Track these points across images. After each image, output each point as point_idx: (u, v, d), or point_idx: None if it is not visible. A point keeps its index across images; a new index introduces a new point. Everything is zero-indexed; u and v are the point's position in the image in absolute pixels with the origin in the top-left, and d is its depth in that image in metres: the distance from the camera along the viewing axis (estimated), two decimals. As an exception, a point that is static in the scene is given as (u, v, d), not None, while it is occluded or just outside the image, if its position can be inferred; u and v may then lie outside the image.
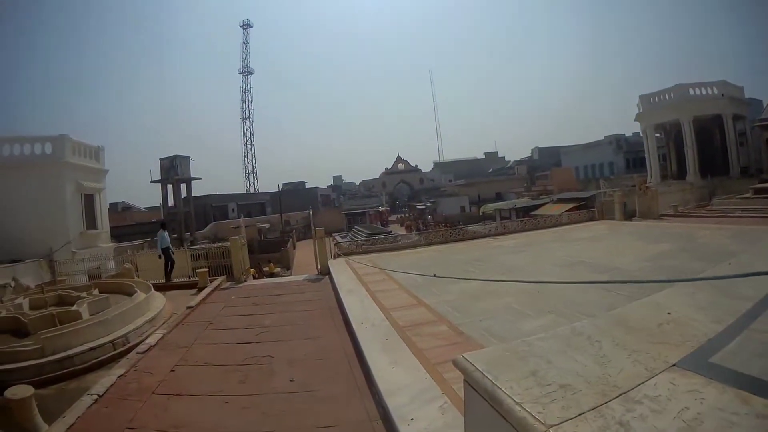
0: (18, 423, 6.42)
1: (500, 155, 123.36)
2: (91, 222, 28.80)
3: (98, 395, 7.24)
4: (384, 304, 10.98)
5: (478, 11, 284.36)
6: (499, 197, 72.74)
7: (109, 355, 10.19)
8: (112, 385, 7.72)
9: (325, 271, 17.37)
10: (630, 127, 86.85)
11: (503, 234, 23.54)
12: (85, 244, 27.13)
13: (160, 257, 18.47)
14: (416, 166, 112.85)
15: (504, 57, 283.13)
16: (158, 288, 16.10)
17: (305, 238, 53.68)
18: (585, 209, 29.64)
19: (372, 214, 75.37)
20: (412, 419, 5.42)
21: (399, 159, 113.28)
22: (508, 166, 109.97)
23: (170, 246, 18.59)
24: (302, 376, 7.59)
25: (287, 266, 35.82)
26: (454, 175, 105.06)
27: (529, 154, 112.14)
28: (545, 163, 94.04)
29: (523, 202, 52.88)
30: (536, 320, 8.47)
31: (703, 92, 41.85)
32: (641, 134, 49.24)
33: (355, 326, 9.44)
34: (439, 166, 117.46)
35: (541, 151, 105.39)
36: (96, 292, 14.56)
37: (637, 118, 46.25)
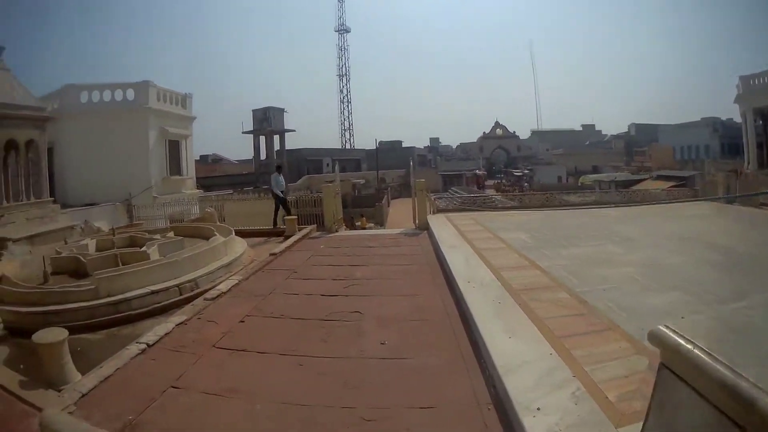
0: (46, 370, 5.51)
1: (597, 128, 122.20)
2: (175, 168, 28.63)
3: (147, 345, 6.17)
4: (492, 263, 9.42)
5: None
6: (596, 170, 71.31)
7: (173, 300, 9.35)
8: (167, 334, 6.64)
9: (423, 226, 15.79)
10: (726, 111, 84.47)
11: (604, 205, 21.10)
12: (168, 189, 26.92)
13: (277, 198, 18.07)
14: (514, 132, 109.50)
15: (603, 32, 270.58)
16: (244, 235, 15.37)
17: (400, 197, 53.08)
18: (684, 188, 28.16)
19: (469, 176, 73.39)
20: (537, 409, 4.03)
21: (497, 124, 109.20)
22: (606, 140, 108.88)
23: (284, 190, 18.03)
24: (395, 340, 6.30)
25: (381, 222, 34.09)
26: (551, 145, 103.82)
27: (626, 130, 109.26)
28: (642, 139, 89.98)
29: (623, 175, 52.07)
30: (662, 295, 7.10)
31: None
32: (741, 117, 44.19)
33: (460, 285, 8.00)
34: (537, 134, 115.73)
35: (638, 128, 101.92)
36: (171, 234, 13.85)
37: (737, 100, 41.99)
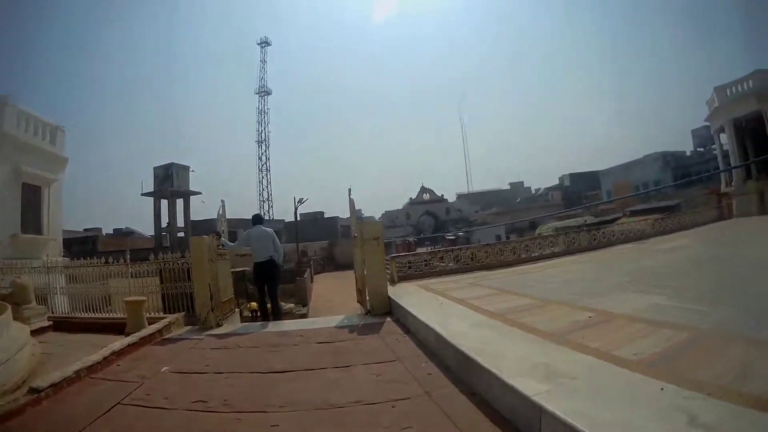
0: None
1: (525, 185, 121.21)
2: (32, 224, 19.84)
3: None
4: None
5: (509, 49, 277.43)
6: (533, 225, 67.34)
7: None
8: None
9: (382, 308, 9.23)
10: (658, 146, 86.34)
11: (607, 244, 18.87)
12: (18, 251, 18.23)
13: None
14: (442, 195, 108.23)
15: (529, 91, 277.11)
16: (73, 325, 10.97)
17: (324, 271, 51.07)
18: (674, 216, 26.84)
19: (399, 244, 67.93)
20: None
21: (423, 188, 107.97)
22: (539, 193, 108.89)
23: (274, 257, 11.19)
24: None
25: (303, 301, 28.73)
26: (480, 206, 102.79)
27: (557, 182, 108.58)
28: (579, 188, 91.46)
29: (590, 219, 48.18)
30: None
31: None
32: (714, 135, 45.34)
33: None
34: (464, 197, 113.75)
35: (573, 177, 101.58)
36: None
37: (712, 115, 42.32)
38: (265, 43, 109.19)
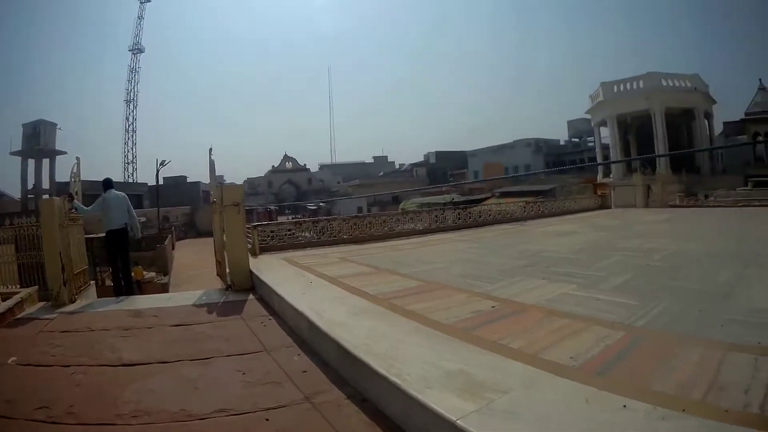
0: None
1: (390, 160, 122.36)
2: None
3: None
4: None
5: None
6: (396, 200, 69.19)
7: None
8: None
9: (245, 284, 8.60)
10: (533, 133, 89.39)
11: (471, 227, 18.03)
12: None
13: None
14: (305, 165, 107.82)
15: (395, 64, 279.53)
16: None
17: (186, 238, 51.10)
18: (554, 201, 27.06)
19: (261, 212, 66.47)
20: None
21: (286, 157, 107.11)
22: (404, 168, 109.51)
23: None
24: None
25: (164, 270, 27.22)
26: (342, 178, 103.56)
27: (422, 159, 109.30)
28: (445, 166, 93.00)
29: (457, 198, 49.98)
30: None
31: (676, 84, 43.13)
32: (594, 128, 50.62)
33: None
34: (327, 167, 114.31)
35: (440, 155, 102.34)
36: None
37: (595, 108, 46.95)
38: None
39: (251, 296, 7.86)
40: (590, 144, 73.45)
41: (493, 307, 5.40)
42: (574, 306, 5.34)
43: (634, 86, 42.64)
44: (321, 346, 4.79)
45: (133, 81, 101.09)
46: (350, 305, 5.80)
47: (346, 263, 9.65)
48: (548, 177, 54.79)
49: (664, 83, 42.05)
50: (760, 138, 39.83)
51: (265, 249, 12.26)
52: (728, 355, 3.65)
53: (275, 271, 8.80)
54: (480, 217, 18.79)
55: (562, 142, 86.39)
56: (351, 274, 8.20)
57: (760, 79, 42.62)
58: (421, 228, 16.42)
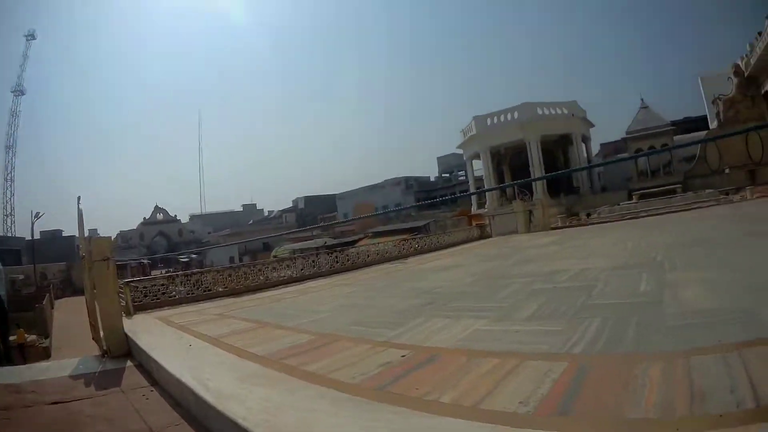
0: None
1: (258, 207, 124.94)
2: None
3: None
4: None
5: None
6: (266, 247, 70.60)
7: None
8: None
9: (121, 349, 7.80)
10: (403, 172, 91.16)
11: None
12: None
13: None
14: (175, 216, 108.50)
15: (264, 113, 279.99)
16: None
17: (64, 296, 48.29)
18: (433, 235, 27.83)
19: (134, 266, 65.07)
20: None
21: (157, 208, 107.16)
22: (273, 215, 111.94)
23: None
24: None
25: (45, 332, 25.85)
26: (213, 228, 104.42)
27: (291, 205, 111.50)
28: (315, 210, 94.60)
29: (330, 241, 51.92)
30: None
31: (552, 111, 45.07)
32: (467, 162, 52.53)
33: None
34: (198, 218, 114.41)
35: (309, 200, 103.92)
36: None
37: (468, 142, 48.32)
38: (31, 36, 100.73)
39: (129, 363, 7.14)
40: (461, 178, 75.93)
41: (403, 356, 4.76)
42: (495, 342, 4.87)
43: (509, 117, 44.05)
44: (213, 423, 3.94)
45: (13, 125, 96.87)
46: (238, 370, 5.11)
47: (226, 320, 9.05)
48: (421, 213, 56.19)
49: (539, 112, 43.74)
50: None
51: (139, 307, 11.60)
52: (692, 361, 3.41)
53: (151, 334, 8.14)
54: (358, 258, 18.54)
55: (432, 179, 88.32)
56: (233, 331, 7.60)
57: (642, 99, 44.91)
58: (297, 275, 16.00)
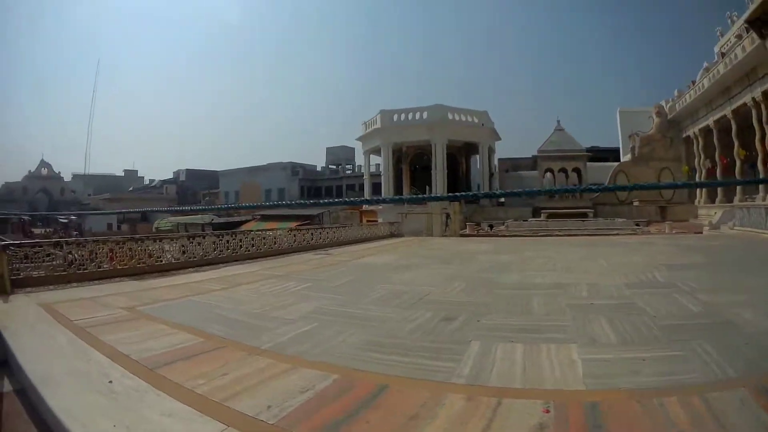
0: None
1: (140, 174, 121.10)
2: None
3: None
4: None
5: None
6: (145, 217, 68.93)
7: None
8: None
9: None
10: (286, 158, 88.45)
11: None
12: None
13: None
14: (59, 173, 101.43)
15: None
16: None
17: None
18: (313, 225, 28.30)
19: (15, 223, 58.33)
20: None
21: (43, 162, 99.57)
22: (153, 185, 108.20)
23: None
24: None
25: None
26: (93, 190, 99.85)
27: (172, 176, 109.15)
28: (197, 184, 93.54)
29: (216, 219, 50.83)
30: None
31: (463, 118, 44.56)
32: (364, 156, 51.28)
33: None
34: (80, 177, 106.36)
35: (191, 173, 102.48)
36: None
37: (370, 134, 47.16)
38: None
39: (5, 379, 4.51)
40: (348, 171, 77.94)
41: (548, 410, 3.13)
42: (629, 376, 3.81)
43: (417, 116, 43.45)
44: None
45: None
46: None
47: (146, 322, 6.19)
48: (310, 201, 55.10)
49: (450, 116, 43.31)
50: (550, 173, 42.56)
51: (18, 284, 8.78)
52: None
53: (37, 339, 5.33)
54: (265, 243, 16.54)
55: (319, 168, 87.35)
56: (172, 351, 4.78)
57: (558, 120, 45.30)
58: (211, 257, 13.86)
